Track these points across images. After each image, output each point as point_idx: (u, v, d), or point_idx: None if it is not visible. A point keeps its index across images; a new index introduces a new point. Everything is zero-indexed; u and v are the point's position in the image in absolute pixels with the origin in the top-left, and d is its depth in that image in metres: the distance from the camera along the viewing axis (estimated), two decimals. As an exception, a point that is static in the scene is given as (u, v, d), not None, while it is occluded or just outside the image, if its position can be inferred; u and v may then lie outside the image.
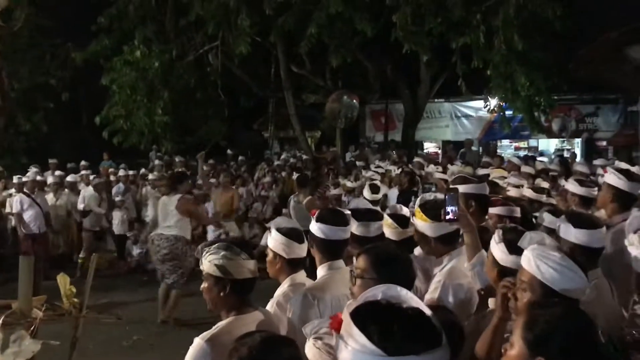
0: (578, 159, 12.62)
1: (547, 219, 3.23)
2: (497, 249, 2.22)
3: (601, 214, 3.46)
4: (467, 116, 16.87)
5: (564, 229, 2.54)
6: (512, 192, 4.86)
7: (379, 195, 6.29)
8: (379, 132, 17.14)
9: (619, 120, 15.38)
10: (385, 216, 3.00)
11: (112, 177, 10.91)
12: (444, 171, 7.91)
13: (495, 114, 13.35)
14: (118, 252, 9.51)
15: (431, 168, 8.51)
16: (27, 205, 8.06)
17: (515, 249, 2.11)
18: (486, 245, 2.39)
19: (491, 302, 2.33)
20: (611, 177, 3.40)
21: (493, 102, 12.25)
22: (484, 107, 13.53)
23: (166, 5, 12.14)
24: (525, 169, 7.38)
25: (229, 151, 15.29)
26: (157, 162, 13.06)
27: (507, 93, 10.37)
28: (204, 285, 2.26)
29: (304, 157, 13.46)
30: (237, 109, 15.86)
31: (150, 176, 10.42)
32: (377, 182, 6.82)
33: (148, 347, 5.84)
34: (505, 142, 16.88)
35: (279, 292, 2.62)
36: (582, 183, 4.08)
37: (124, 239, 9.43)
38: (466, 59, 10.39)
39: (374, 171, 8.61)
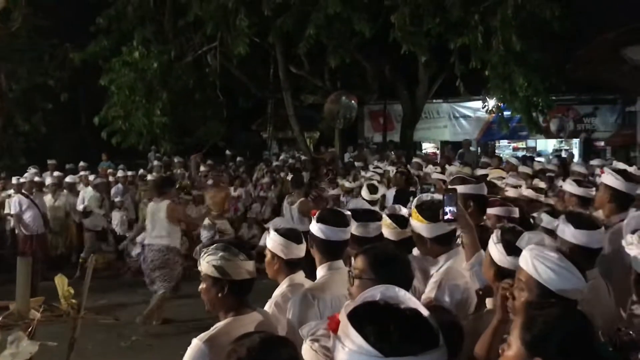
0: (576, 159, 12.63)
1: (545, 219, 3.23)
2: (495, 250, 2.22)
3: (599, 214, 3.47)
4: (465, 117, 16.88)
5: (563, 229, 2.54)
6: (510, 193, 4.86)
7: (377, 196, 6.29)
8: (378, 133, 17.14)
9: (616, 120, 15.40)
10: (384, 216, 3.01)
11: (110, 178, 10.91)
12: (443, 172, 7.92)
13: (494, 115, 13.36)
14: (117, 253, 9.51)
15: (429, 168, 8.51)
16: (26, 206, 8.06)
17: (513, 250, 2.11)
18: (486, 245, 2.39)
19: (489, 302, 2.34)
20: (608, 178, 3.40)
21: (491, 102, 12.25)
22: (482, 108, 13.53)
23: (165, 6, 12.12)
24: (522, 169, 7.39)
25: (227, 152, 15.28)
26: (155, 162, 13.06)
27: (505, 93, 10.37)
28: (202, 286, 2.26)
29: (303, 157, 13.45)
30: (236, 109, 15.84)
31: (149, 177, 10.42)
32: (375, 183, 6.82)
33: (146, 347, 5.83)
34: (504, 142, 16.89)
35: (277, 292, 2.63)
36: (580, 183, 4.08)
37: (124, 239, 9.43)
38: (464, 60, 10.40)
39: (374, 172, 8.61)
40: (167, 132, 12.28)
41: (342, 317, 1.23)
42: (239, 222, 10.43)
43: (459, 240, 2.77)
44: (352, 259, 2.13)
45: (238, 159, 14.27)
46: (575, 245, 2.46)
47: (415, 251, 2.90)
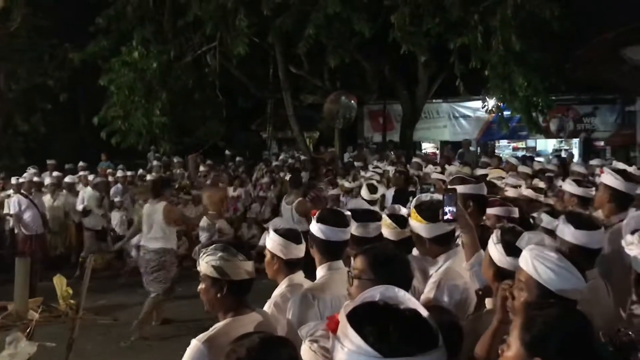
0: (576, 159, 12.63)
1: (545, 219, 3.23)
2: (495, 250, 2.22)
3: (598, 214, 3.47)
4: (465, 116, 16.87)
5: (563, 230, 2.53)
6: (510, 192, 4.86)
7: (377, 195, 6.29)
8: (377, 133, 17.13)
9: (616, 120, 15.39)
10: (384, 216, 3.01)
11: (110, 178, 10.90)
12: (442, 172, 7.92)
13: (493, 115, 13.35)
14: (116, 252, 9.49)
15: (429, 168, 8.51)
16: (25, 206, 8.06)
17: (512, 251, 2.10)
18: (486, 245, 2.39)
19: (488, 302, 2.33)
20: (608, 178, 3.40)
21: (491, 102, 12.25)
22: (482, 108, 13.52)
23: (164, 6, 12.12)
24: (522, 169, 7.39)
25: (227, 152, 15.28)
26: (155, 162, 13.07)
27: (505, 93, 10.37)
28: (201, 286, 2.25)
29: (302, 157, 13.45)
30: (235, 109, 15.83)
31: (148, 177, 10.41)
32: (374, 183, 6.81)
33: (146, 347, 5.83)
34: (503, 142, 16.88)
35: (276, 292, 2.62)
36: (579, 183, 4.08)
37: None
38: (464, 60, 10.39)
39: (373, 171, 8.61)
40: (167, 132, 12.28)
41: (342, 317, 1.23)
42: (238, 222, 10.43)
43: (458, 241, 2.77)
44: (352, 259, 2.13)
45: (237, 158, 14.27)
46: (575, 245, 2.46)
47: (415, 251, 2.90)
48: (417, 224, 2.64)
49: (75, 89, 15.30)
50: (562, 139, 15.90)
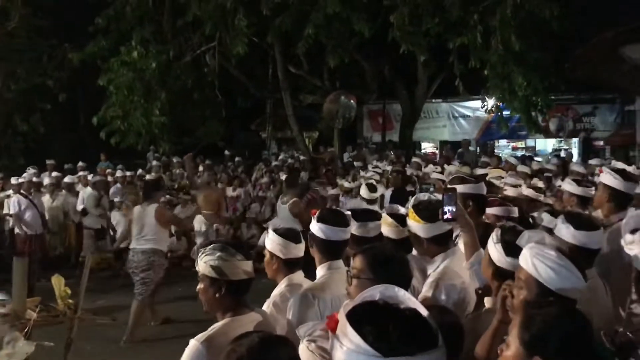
0: (575, 158, 12.63)
1: (546, 219, 3.23)
2: (494, 250, 2.21)
3: (598, 213, 3.46)
4: (464, 116, 16.87)
5: (563, 230, 2.53)
6: (509, 192, 4.85)
7: (377, 194, 6.28)
8: (377, 133, 17.12)
9: (616, 120, 15.40)
10: (384, 215, 3.01)
11: (109, 178, 10.90)
12: (442, 171, 7.92)
13: (493, 114, 13.35)
14: (115, 252, 9.49)
15: (429, 168, 8.50)
16: (25, 206, 8.05)
17: (512, 251, 2.10)
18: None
19: (487, 302, 2.33)
20: (607, 177, 3.40)
21: (490, 102, 12.25)
22: (482, 107, 13.52)
23: (163, 6, 12.11)
24: (521, 168, 7.38)
25: (226, 152, 15.28)
26: (154, 162, 13.07)
27: (504, 93, 10.37)
28: (200, 286, 2.25)
29: (302, 157, 13.45)
30: (235, 109, 15.83)
31: (148, 177, 10.40)
32: (373, 182, 6.81)
33: (146, 348, 5.83)
34: (503, 142, 16.88)
35: (275, 292, 2.63)
36: (579, 183, 4.07)
37: (122, 239, 9.42)
38: (463, 59, 10.40)
39: (373, 171, 8.60)
40: (166, 132, 12.28)
41: (341, 317, 1.22)
42: (237, 222, 10.43)
43: (457, 240, 2.77)
44: (351, 258, 2.13)
45: (237, 158, 14.27)
46: (574, 245, 2.45)
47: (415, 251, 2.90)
48: (415, 224, 2.64)
49: (75, 89, 15.29)
50: (562, 139, 15.91)
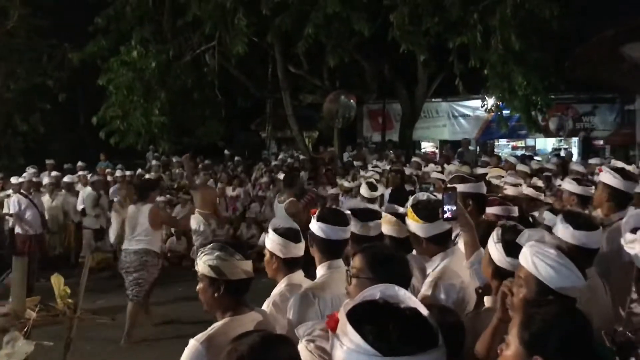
0: (575, 158, 12.63)
1: (547, 217, 3.23)
2: (495, 249, 2.21)
3: (597, 213, 3.46)
4: (464, 116, 16.87)
5: (562, 229, 2.53)
6: (509, 191, 4.84)
7: (377, 193, 6.25)
8: (377, 132, 17.12)
9: (616, 119, 15.40)
10: (384, 213, 3.00)
11: (109, 178, 10.89)
12: (442, 171, 7.91)
13: (493, 114, 13.36)
14: (115, 252, 9.48)
15: (430, 167, 8.49)
16: (25, 205, 8.05)
17: (512, 251, 2.09)
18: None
19: (487, 300, 2.33)
20: (606, 176, 3.40)
21: (490, 101, 12.25)
22: (482, 107, 13.52)
23: (163, 6, 12.11)
24: (520, 167, 7.38)
25: (226, 151, 15.28)
26: (154, 162, 13.06)
27: (504, 92, 10.37)
28: (199, 286, 2.25)
29: (302, 157, 13.45)
30: (235, 109, 15.83)
31: (147, 176, 10.40)
32: (373, 181, 6.79)
33: (145, 347, 5.83)
34: (503, 141, 16.89)
35: (275, 291, 2.62)
36: (579, 182, 4.07)
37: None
38: (463, 59, 10.39)
39: (373, 171, 8.59)
40: (166, 132, 12.28)
41: (341, 316, 1.22)
42: (237, 221, 10.43)
43: (457, 240, 2.76)
44: (351, 258, 2.12)
45: (236, 158, 14.26)
46: (574, 245, 2.45)
47: (416, 249, 2.90)
48: (414, 224, 2.64)
49: (74, 89, 15.30)
50: (561, 138, 15.91)
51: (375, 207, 3.42)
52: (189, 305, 6.20)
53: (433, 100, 16.15)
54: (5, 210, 8.68)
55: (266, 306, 2.53)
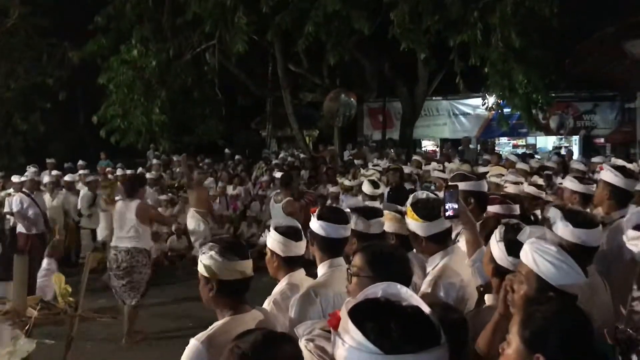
0: (575, 156, 12.63)
1: (552, 214, 3.21)
2: (496, 247, 2.21)
3: (598, 211, 3.46)
4: (465, 114, 16.87)
5: (561, 227, 2.52)
6: (510, 189, 4.83)
7: (379, 191, 6.23)
8: (377, 131, 17.12)
9: (616, 117, 15.40)
10: (387, 211, 3.00)
11: (109, 177, 10.87)
12: (443, 169, 7.90)
13: (493, 112, 13.36)
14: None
15: (432, 166, 8.47)
16: (27, 204, 8.04)
17: (513, 250, 2.09)
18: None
19: (488, 298, 2.33)
20: (607, 174, 3.40)
21: (491, 99, 12.25)
22: (482, 105, 13.53)
23: (163, 5, 12.10)
24: (520, 166, 7.37)
25: (226, 150, 15.27)
26: (154, 161, 13.05)
27: (504, 91, 10.37)
28: (200, 284, 2.25)
29: (302, 155, 13.44)
30: (235, 107, 15.84)
31: (148, 175, 10.39)
32: (375, 178, 6.78)
33: (146, 346, 5.83)
34: (503, 139, 16.90)
35: (276, 290, 2.62)
36: (580, 180, 4.06)
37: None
38: (464, 57, 10.39)
39: (374, 169, 8.58)
40: (166, 131, 12.28)
41: (343, 314, 1.22)
42: (238, 220, 10.43)
43: (459, 238, 2.76)
44: (351, 256, 2.12)
45: (237, 157, 14.25)
46: (574, 243, 2.45)
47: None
48: (413, 222, 2.64)
49: (75, 88, 15.29)
50: (562, 136, 15.91)
51: (376, 204, 3.42)
52: (189, 305, 6.21)
53: (433, 98, 16.15)
54: (6, 209, 8.67)
55: (267, 305, 2.53)
